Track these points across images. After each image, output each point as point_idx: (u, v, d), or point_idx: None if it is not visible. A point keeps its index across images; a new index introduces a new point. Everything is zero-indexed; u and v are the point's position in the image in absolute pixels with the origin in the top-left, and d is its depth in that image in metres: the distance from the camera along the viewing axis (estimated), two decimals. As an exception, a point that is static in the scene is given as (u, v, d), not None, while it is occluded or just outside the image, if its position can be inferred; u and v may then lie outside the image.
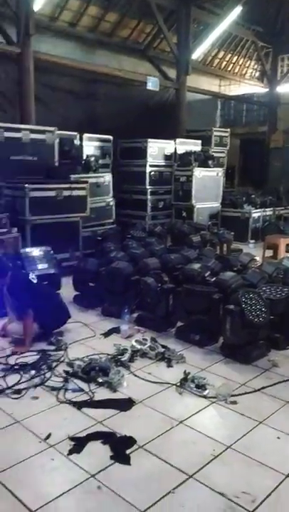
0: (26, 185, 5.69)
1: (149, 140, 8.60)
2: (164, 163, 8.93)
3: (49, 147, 6.76)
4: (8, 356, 3.65)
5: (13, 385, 3.20)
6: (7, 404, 3.00)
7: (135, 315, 4.48)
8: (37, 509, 2.11)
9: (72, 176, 6.69)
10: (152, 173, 8.70)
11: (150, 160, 8.64)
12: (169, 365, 3.59)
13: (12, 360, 3.58)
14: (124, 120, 9.43)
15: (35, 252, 5.07)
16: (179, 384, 3.25)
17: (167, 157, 8.98)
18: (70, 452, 2.51)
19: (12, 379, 3.30)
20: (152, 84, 9.58)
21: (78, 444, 2.58)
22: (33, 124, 7.09)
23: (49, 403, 3.02)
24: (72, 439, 2.62)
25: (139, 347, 3.76)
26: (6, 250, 5.00)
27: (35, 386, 3.21)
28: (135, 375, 3.41)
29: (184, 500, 2.19)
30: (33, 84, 7.39)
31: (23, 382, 3.25)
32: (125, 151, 8.90)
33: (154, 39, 10.84)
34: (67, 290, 5.02)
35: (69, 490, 2.25)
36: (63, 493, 2.22)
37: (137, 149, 8.67)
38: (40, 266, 4.93)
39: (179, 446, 2.62)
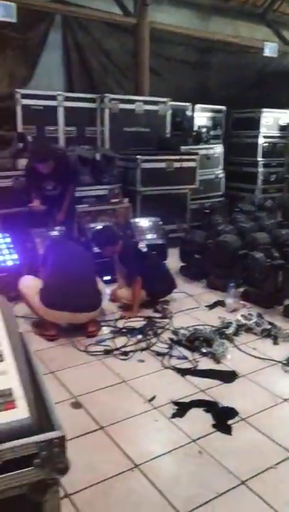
0: (138, 156, 5.80)
1: (264, 110, 8.21)
2: (278, 134, 8.49)
3: (161, 118, 6.78)
4: (116, 320, 3.85)
5: (121, 347, 3.37)
6: (115, 364, 3.19)
7: (241, 289, 4.41)
8: (141, 463, 2.24)
9: (183, 148, 6.67)
10: (265, 144, 8.33)
11: (264, 131, 8.26)
12: (275, 343, 3.51)
13: (120, 324, 3.77)
14: (237, 89, 9.08)
15: (145, 222, 5.19)
16: (285, 362, 3.17)
17: (282, 128, 8.52)
18: (173, 416, 2.60)
19: (120, 341, 3.49)
20: (270, 50, 9.05)
21: (181, 408, 2.66)
22: (146, 95, 7.14)
23: (154, 367, 3.14)
24: (175, 403, 2.71)
25: (244, 322, 3.72)
26: (117, 220, 5.18)
27: (142, 350, 3.36)
28: (239, 349, 3.40)
29: (285, 476, 2.17)
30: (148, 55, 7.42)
31: (130, 345, 3.42)
32: (237, 121, 8.61)
33: (274, 1, 10.19)
34: (173, 261, 5.09)
35: (171, 451, 2.34)
36: (166, 453, 2.32)
37: (250, 120, 8.33)
38: (149, 236, 5.04)
39: (282, 423, 2.57)
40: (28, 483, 0.98)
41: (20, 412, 0.98)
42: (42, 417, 1.02)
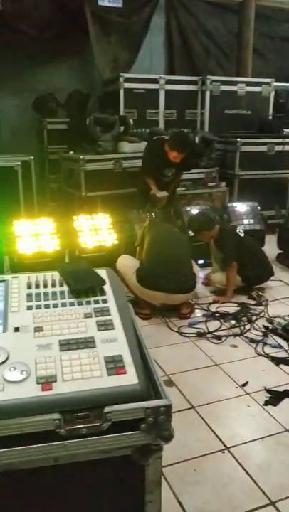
0: (238, 139, 5.67)
1: None
2: None
3: (264, 100, 6.55)
4: (209, 304, 3.85)
5: (214, 331, 3.37)
6: (207, 347, 3.20)
7: None
8: (231, 446, 2.24)
9: (286, 131, 6.38)
10: None
11: None
12: None
13: (213, 308, 3.76)
14: None
15: (242, 206, 5.08)
16: None
17: None
18: (266, 403, 2.56)
19: (212, 325, 3.48)
20: None
21: (274, 397, 2.60)
22: (249, 76, 6.93)
23: (247, 353, 3.10)
24: (268, 391, 2.66)
25: None
26: (213, 204, 5.13)
27: (235, 335, 3.33)
28: None
29: None
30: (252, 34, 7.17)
31: (223, 330, 3.41)
32: None
33: None
34: (270, 248, 4.93)
35: (262, 438, 2.31)
36: (257, 439, 2.30)
37: None
38: (246, 221, 4.93)
39: None
40: (133, 445, 1.03)
41: (130, 377, 1.02)
42: (149, 385, 1.06)
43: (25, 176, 4.78)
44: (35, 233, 3.82)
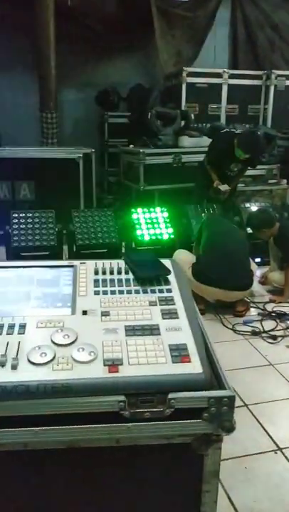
0: (302, 135, 5.52)
1: None
2: None
3: None
4: (265, 303, 3.77)
5: (270, 330, 3.31)
6: (262, 346, 3.15)
7: None
8: (284, 448, 2.20)
9: None
10: None
11: None
12: None
13: (269, 307, 3.68)
14: None
15: (303, 205, 4.95)
16: None
17: None
18: None
19: (268, 324, 3.42)
20: None
21: None
22: (316, 69, 6.69)
23: (303, 355, 3.03)
24: None
25: None
26: (273, 201, 5.02)
27: (291, 336, 3.26)
28: None
29: None
30: None
31: (279, 330, 3.34)
32: None
33: None
34: None
35: None
36: (312, 443, 2.25)
37: None
38: (307, 220, 4.79)
39: None
40: (194, 433, 1.04)
41: (194, 366, 1.03)
42: (212, 375, 1.07)
43: (86, 168, 4.89)
44: (93, 224, 3.91)
